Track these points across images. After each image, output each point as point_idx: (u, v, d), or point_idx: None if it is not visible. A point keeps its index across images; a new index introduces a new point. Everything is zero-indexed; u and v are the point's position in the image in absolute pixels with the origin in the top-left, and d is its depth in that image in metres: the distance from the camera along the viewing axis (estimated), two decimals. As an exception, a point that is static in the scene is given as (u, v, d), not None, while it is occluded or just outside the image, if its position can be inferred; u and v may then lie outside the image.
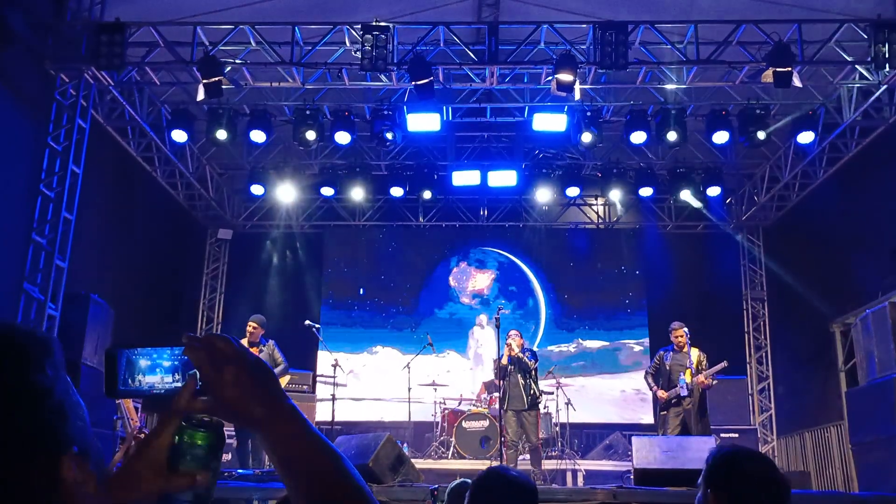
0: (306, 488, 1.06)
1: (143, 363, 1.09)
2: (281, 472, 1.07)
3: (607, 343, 13.33)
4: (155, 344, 1.11)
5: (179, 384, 1.08)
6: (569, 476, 10.22)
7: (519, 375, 9.22)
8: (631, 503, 6.17)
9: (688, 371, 8.74)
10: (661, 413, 9.00)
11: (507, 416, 9.16)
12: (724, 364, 8.81)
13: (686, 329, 9.00)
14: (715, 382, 9.06)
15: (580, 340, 13.37)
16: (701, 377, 8.70)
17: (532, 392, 9.26)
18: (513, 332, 9.49)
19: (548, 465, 9.79)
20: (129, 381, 1.09)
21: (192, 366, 1.05)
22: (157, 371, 1.09)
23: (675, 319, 9.26)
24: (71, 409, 0.96)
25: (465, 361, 13.17)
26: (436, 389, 11.13)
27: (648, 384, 9.12)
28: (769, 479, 2.11)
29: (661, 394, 8.85)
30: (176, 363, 1.09)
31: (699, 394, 8.76)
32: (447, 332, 13.26)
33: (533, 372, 9.35)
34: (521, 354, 9.31)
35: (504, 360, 9.23)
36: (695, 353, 8.91)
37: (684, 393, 8.68)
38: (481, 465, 9.80)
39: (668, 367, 8.88)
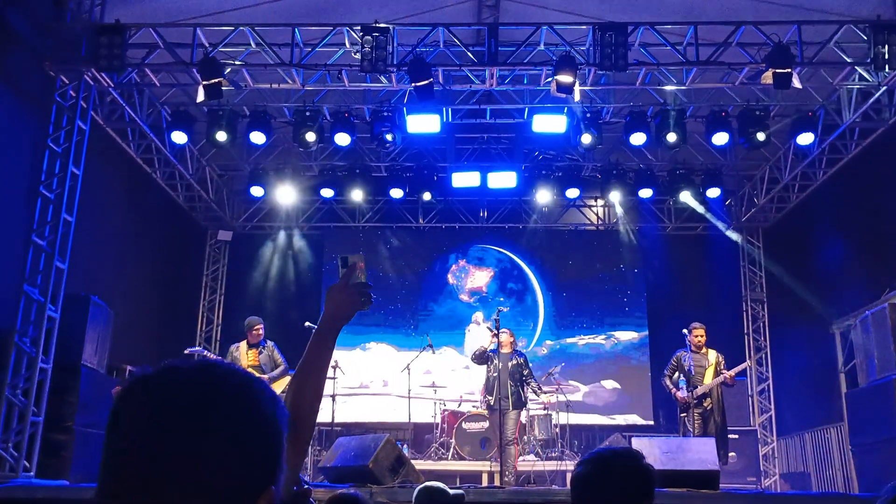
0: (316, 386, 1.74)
1: None
2: (318, 363, 1.78)
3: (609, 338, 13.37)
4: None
5: None
6: (569, 477, 10.20)
7: (510, 380, 9.19)
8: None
9: (708, 371, 8.69)
10: (682, 415, 8.82)
11: (492, 415, 9.20)
12: (746, 364, 8.75)
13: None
14: (733, 383, 9.02)
15: (591, 336, 13.37)
16: (728, 374, 8.65)
17: (519, 394, 9.27)
18: (506, 330, 9.46)
19: (548, 465, 9.79)
20: None
21: None
22: None
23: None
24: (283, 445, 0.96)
25: (462, 359, 13.14)
26: (435, 391, 11.13)
27: (666, 386, 8.94)
28: (628, 479, 2.09)
29: (682, 395, 8.73)
30: None
31: (719, 393, 8.73)
32: (445, 329, 13.24)
33: (526, 377, 9.37)
34: (519, 360, 9.32)
35: (488, 346, 9.27)
36: (712, 354, 8.85)
37: (683, 394, 8.66)
38: (481, 466, 9.81)
39: (687, 368, 8.81)
